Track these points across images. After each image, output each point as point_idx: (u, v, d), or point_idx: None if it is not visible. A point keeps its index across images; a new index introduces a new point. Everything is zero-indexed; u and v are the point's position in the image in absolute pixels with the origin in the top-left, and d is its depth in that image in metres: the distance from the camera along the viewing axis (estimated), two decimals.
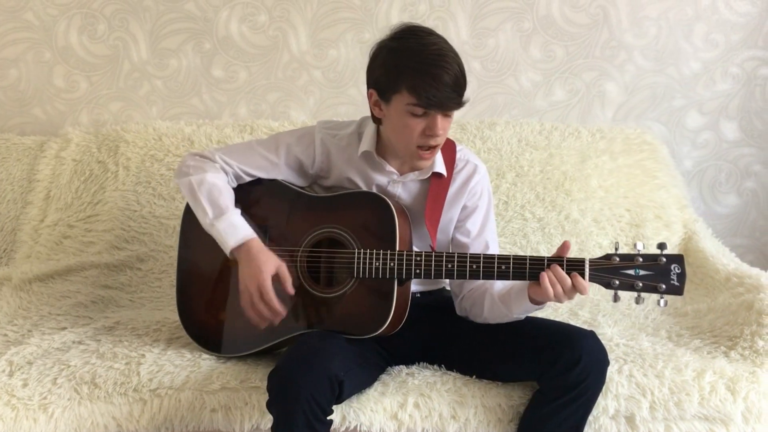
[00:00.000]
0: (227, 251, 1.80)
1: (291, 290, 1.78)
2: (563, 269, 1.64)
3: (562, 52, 2.79)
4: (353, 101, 2.81)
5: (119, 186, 2.59)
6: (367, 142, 1.85)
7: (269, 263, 1.77)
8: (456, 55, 1.71)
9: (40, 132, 2.83)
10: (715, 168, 2.88)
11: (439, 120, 1.71)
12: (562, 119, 2.82)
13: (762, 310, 1.88)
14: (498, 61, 2.80)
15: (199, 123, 2.72)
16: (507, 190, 2.55)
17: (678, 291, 1.61)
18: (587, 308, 2.27)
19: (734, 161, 2.88)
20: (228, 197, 1.85)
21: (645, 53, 2.79)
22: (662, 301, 1.62)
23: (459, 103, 1.71)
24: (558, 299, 1.65)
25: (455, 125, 2.64)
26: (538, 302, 1.71)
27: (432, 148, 1.76)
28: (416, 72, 1.67)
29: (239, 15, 2.78)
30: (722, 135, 2.86)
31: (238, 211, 1.84)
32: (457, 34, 2.77)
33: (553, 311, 2.21)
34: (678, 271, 1.61)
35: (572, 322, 1.97)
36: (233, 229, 1.80)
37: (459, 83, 1.69)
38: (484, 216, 1.91)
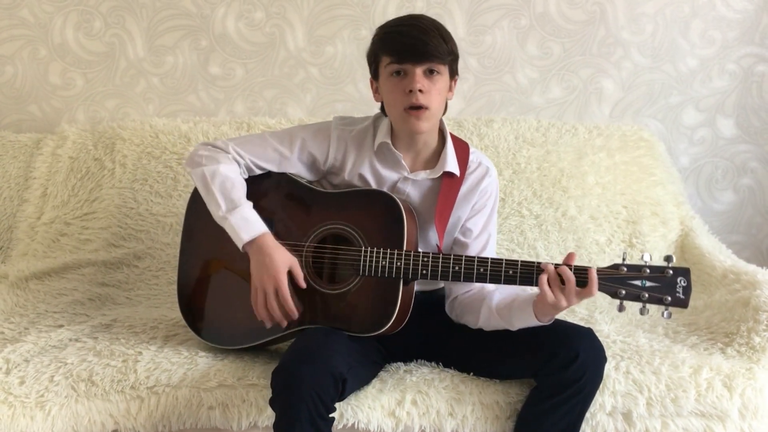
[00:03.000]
0: (240, 245, 1.79)
1: (302, 284, 1.78)
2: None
3: (558, 49, 2.79)
4: (350, 98, 2.81)
5: (116, 183, 2.58)
6: (382, 134, 1.86)
7: (283, 260, 1.76)
8: (436, 21, 1.78)
9: (36, 129, 2.82)
10: (712, 165, 2.89)
11: (418, 75, 1.73)
12: (559, 116, 2.82)
13: (758, 307, 1.88)
14: (495, 58, 2.80)
15: (195, 120, 2.72)
16: (504, 187, 2.55)
17: (683, 304, 1.61)
18: (584, 305, 2.27)
19: (731, 158, 2.88)
20: (241, 190, 1.85)
21: (642, 50, 2.79)
22: (666, 313, 1.62)
23: (435, 56, 1.73)
24: (567, 300, 1.63)
25: (452, 122, 2.64)
26: (542, 320, 1.70)
27: (420, 110, 1.75)
28: (388, 32, 1.76)
29: (236, 12, 2.78)
30: (719, 132, 2.86)
31: (251, 204, 1.83)
32: (453, 31, 2.74)
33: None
34: (684, 284, 1.61)
35: (569, 320, 1.97)
36: (246, 223, 1.79)
37: (433, 37, 1.72)
38: (488, 217, 1.91)
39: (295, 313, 1.77)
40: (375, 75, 1.83)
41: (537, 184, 2.55)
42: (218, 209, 1.81)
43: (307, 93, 2.83)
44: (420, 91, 1.73)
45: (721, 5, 2.76)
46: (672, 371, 1.79)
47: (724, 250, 2.41)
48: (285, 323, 1.79)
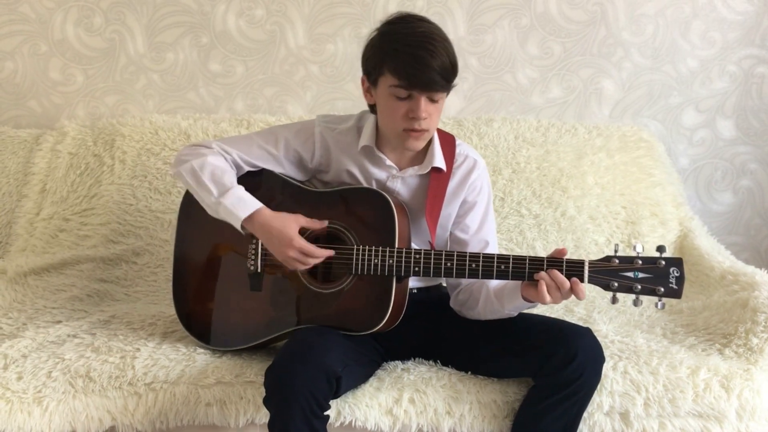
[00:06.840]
0: (238, 225, 1.78)
1: (319, 226, 1.79)
2: (563, 271, 1.64)
3: (559, 49, 2.79)
4: (350, 96, 2.81)
5: (115, 179, 2.58)
6: (366, 137, 1.84)
7: (288, 224, 1.76)
8: (445, 40, 1.70)
9: (35, 125, 2.82)
10: (711, 166, 2.89)
11: (423, 103, 1.69)
12: (559, 116, 2.82)
13: (756, 308, 1.88)
14: (495, 58, 2.80)
15: (195, 117, 2.72)
16: (503, 186, 2.55)
17: (676, 294, 1.61)
18: (582, 305, 2.28)
19: (730, 159, 2.88)
20: (231, 175, 1.84)
21: (642, 51, 2.79)
22: (660, 304, 1.62)
23: (443, 86, 1.69)
24: (554, 301, 1.65)
25: (452, 122, 2.64)
26: (531, 301, 1.72)
27: (420, 131, 1.74)
28: (399, 53, 1.67)
29: (236, 9, 2.78)
30: (718, 133, 2.86)
31: (242, 187, 1.83)
32: (454, 30, 2.77)
33: (548, 308, 2.21)
34: (677, 275, 1.61)
35: (568, 319, 1.97)
36: (241, 202, 1.79)
37: (444, 66, 1.67)
38: (484, 212, 1.90)
39: (327, 254, 1.76)
40: (373, 82, 1.76)
41: (536, 183, 2.56)
42: (210, 196, 1.81)
43: (308, 91, 2.83)
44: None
45: (721, 6, 2.77)
46: (670, 372, 1.80)
47: (723, 251, 2.42)
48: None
